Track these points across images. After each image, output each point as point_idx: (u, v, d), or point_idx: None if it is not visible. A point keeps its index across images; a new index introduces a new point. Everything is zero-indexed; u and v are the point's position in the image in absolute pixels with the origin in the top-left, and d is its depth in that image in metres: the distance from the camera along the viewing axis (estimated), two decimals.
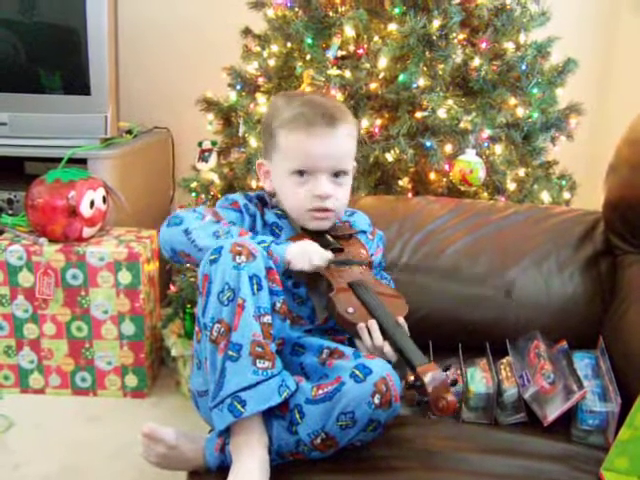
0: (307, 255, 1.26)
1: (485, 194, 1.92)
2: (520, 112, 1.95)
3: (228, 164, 2.18)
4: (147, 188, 2.57)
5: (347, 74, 1.87)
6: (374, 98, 1.89)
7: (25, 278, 2.08)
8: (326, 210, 1.34)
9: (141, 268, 2.07)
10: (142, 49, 2.69)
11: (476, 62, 1.89)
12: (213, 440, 1.20)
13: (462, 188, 1.86)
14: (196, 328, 1.22)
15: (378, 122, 1.87)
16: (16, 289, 2.09)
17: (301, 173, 1.32)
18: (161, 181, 2.74)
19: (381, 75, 1.88)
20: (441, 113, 1.83)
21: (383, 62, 1.84)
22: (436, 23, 1.83)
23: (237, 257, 1.15)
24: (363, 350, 1.22)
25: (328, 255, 1.28)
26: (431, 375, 1.12)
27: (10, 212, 2.30)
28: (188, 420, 1.42)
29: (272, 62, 2.03)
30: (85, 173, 2.17)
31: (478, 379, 1.36)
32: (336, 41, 1.90)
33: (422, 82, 1.84)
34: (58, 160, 2.21)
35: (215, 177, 2.15)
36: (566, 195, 2.11)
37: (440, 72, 1.85)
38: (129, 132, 2.50)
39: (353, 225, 1.46)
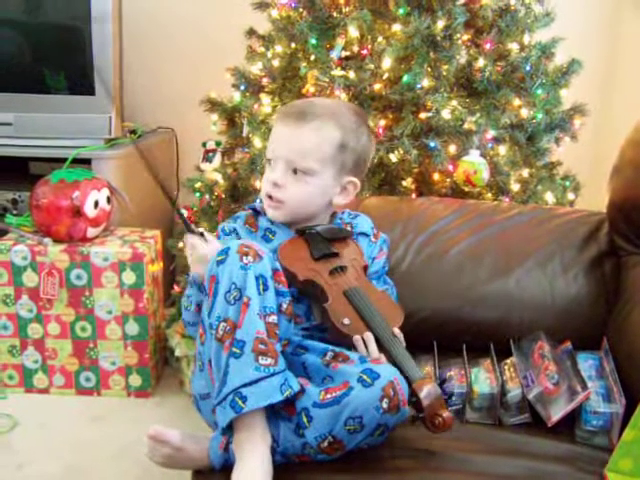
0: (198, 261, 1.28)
1: (489, 195, 1.92)
2: (524, 113, 1.95)
3: (232, 164, 2.18)
4: (151, 188, 2.54)
5: (351, 75, 1.87)
6: (378, 99, 1.89)
7: (29, 278, 2.08)
8: (274, 199, 1.36)
9: (145, 268, 2.08)
10: (146, 49, 2.70)
11: (480, 63, 1.89)
12: (217, 439, 1.20)
13: (466, 189, 1.86)
14: (200, 330, 1.23)
15: (382, 123, 1.87)
16: (20, 289, 2.09)
17: (270, 161, 1.38)
18: (165, 181, 2.74)
19: (385, 76, 1.88)
20: (445, 114, 1.83)
21: (387, 63, 1.84)
22: (440, 24, 1.83)
23: (244, 257, 1.16)
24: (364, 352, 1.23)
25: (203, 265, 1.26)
26: (427, 390, 1.12)
27: (15, 212, 2.31)
28: (192, 420, 1.42)
29: (276, 63, 2.04)
30: (89, 173, 2.18)
31: (482, 379, 1.36)
32: (340, 42, 1.90)
33: (426, 83, 1.84)
34: (62, 160, 2.22)
35: (219, 177, 2.15)
36: (570, 196, 2.11)
37: (444, 73, 1.85)
38: (133, 132, 2.50)
39: (355, 228, 1.46)
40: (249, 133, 2.03)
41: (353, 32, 1.88)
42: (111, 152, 2.31)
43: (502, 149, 1.94)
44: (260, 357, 1.12)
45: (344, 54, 1.92)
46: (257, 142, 1.96)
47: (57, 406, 2.12)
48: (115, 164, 2.30)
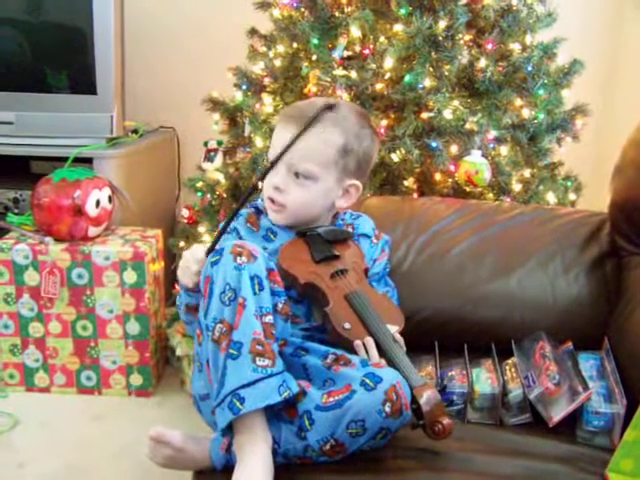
0: (187, 269, 1.27)
1: (491, 195, 1.92)
2: (526, 113, 1.95)
3: (234, 164, 2.18)
4: (153, 187, 2.57)
5: (353, 74, 1.87)
6: (380, 98, 1.89)
7: (31, 277, 2.08)
8: (276, 202, 1.36)
9: (146, 267, 2.08)
10: (148, 49, 2.70)
11: (482, 63, 1.89)
12: (218, 440, 1.20)
13: (467, 189, 1.87)
14: (197, 331, 1.22)
15: (384, 122, 1.87)
16: (22, 288, 2.09)
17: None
18: (167, 181, 2.75)
19: (387, 76, 1.88)
20: (447, 114, 1.83)
21: (389, 63, 1.84)
22: (442, 24, 1.83)
23: (238, 258, 1.16)
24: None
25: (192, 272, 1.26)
26: (427, 396, 1.12)
27: (16, 211, 2.31)
28: (193, 419, 1.42)
29: (278, 62, 2.04)
30: (91, 172, 2.18)
31: (483, 379, 1.36)
32: (342, 41, 1.90)
33: (428, 83, 1.84)
34: (64, 159, 2.22)
35: (221, 177, 2.15)
36: (572, 196, 2.11)
37: (446, 73, 1.85)
38: (135, 132, 2.50)
39: (356, 229, 1.46)
40: (250, 133, 2.03)
41: (355, 32, 1.88)
42: (113, 151, 2.31)
43: (504, 149, 1.94)
44: (257, 358, 1.12)
45: (346, 54, 1.93)
46: (258, 142, 1.96)
47: (58, 405, 2.12)
48: (117, 163, 2.30)
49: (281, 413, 1.15)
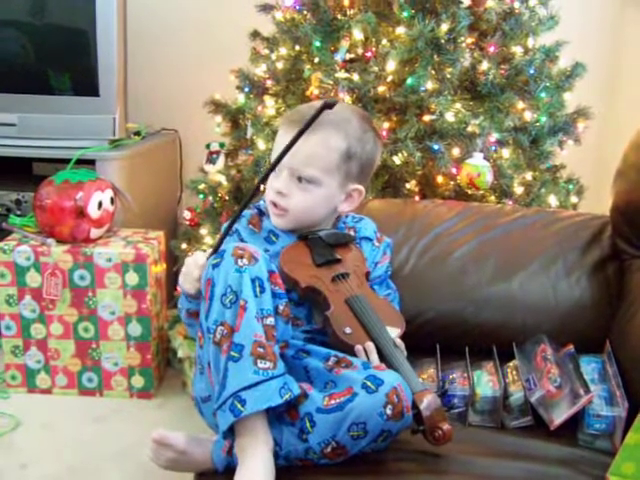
0: (189, 276, 1.28)
1: (492, 198, 1.92)
2: (528, 116, 1.96)
3: (236, 166, 2.18)
4: (155, 189, 2.57)
5: (355, 77, 1.87)
6: (382, 101, 1.89)
7: (33, 278, 2.08)
8: (278, 206, 1.35)
9: (148, 269, 2.08)
10: (151, 51, 2.70)
11: (484, 66, 1.90)
12: (220, 442, 1.20)
13: (469, 191, 1.87)
14: (198, 333, 1.22)
15: (386, 125, 1.88)
16: (24, 289, 2.09)
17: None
18: (169, 182, 2.75)
19: (389, 78, 1.88)
20: (449, 116, 1.84)
21: (391, 65, 1.85)
22: (444, 27, 1.84)
23: (239, 260, 1.16)
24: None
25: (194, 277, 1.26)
26: (427, 402, 1.12)
27: (18, 213, 2.31)
28: (194, 421, 1.42)
29: (280, 65, 2.04)
30: (93, 174, 2.18)
31: (485, 382, 1.36)
32: (344, 44, 1.90)
33: (430, 85, 1.84)
34: (66, 161, 2.22)
35: (223, 179, 2.15)
36: (573, 199, 2.11)
37: (448, 76, 1.86)
38: (137, 133, 2.51)
39: (358, 232, 1.46)
40: (253, 135, 2.03)
41: (357, 35, 1.88)
42: (115, 153, 2.31)
43: (506, 152, 1.95)
44: (259, 360, 1.12)
45: (348, 56, 1.93)
46: (261, 144, 1.97)
47: (59, 406, 2.12)
48: (119, 165, 2.31)
49: (282, 415, 1.16)
